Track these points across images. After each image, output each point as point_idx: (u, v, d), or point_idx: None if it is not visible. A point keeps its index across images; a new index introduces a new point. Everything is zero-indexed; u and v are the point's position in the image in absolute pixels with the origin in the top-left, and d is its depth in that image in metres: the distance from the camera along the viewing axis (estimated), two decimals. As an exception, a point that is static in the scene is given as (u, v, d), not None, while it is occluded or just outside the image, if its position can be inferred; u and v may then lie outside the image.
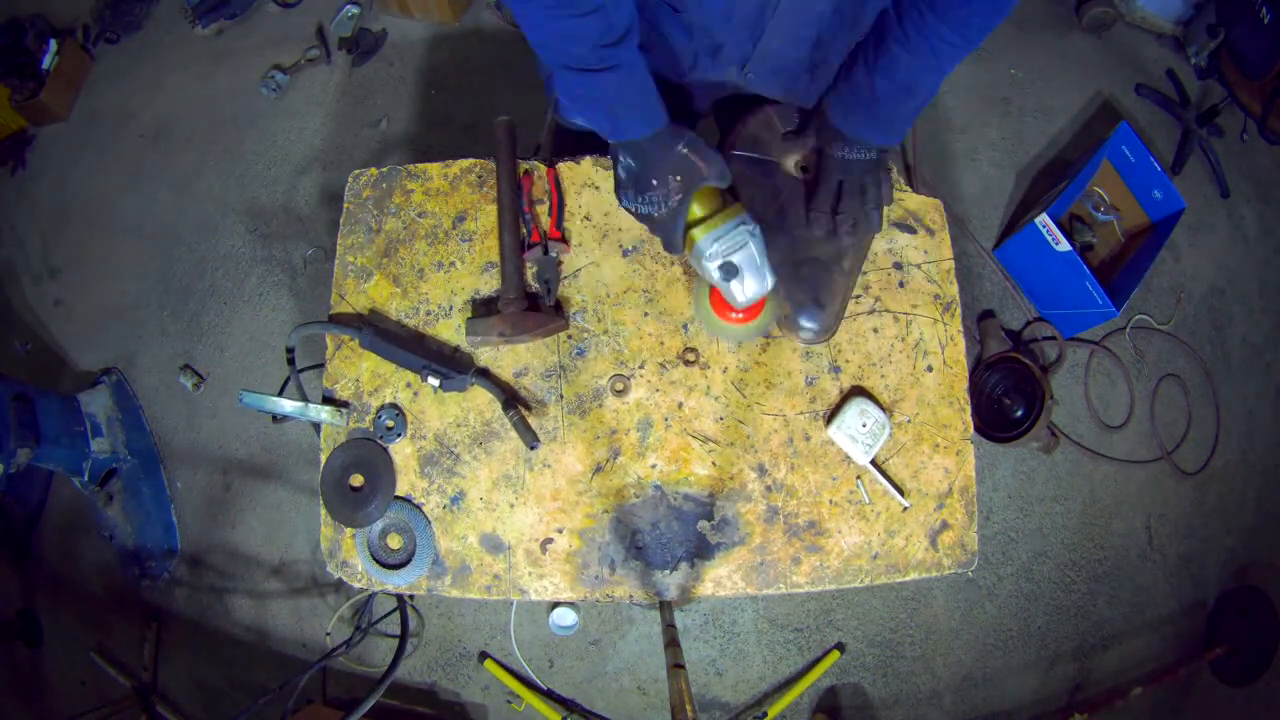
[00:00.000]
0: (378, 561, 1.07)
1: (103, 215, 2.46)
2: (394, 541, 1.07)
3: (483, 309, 1.12)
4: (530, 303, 1.11)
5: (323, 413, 1.10)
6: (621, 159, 0.93)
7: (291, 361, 1.14)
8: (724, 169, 0.92)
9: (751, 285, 0.92)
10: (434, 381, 1.07)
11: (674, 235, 0.93)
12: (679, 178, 0.90)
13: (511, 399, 1.07)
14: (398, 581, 1.07)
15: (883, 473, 1.09)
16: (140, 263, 2.39)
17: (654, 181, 0.90)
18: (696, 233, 0.92)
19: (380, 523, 1.07)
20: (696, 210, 0.93)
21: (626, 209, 0.96)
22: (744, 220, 0.91)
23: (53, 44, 2.53)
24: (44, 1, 2.70)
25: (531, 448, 1.04)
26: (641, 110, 0.88)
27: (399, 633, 1.29)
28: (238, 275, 2.33)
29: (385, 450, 1.10)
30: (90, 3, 2.71)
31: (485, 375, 1.09)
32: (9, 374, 1.99)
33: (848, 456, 1.09)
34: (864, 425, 1.07)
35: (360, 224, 1.20)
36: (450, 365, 1.08)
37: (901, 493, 1.08)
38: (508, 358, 1.13)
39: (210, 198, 2.42)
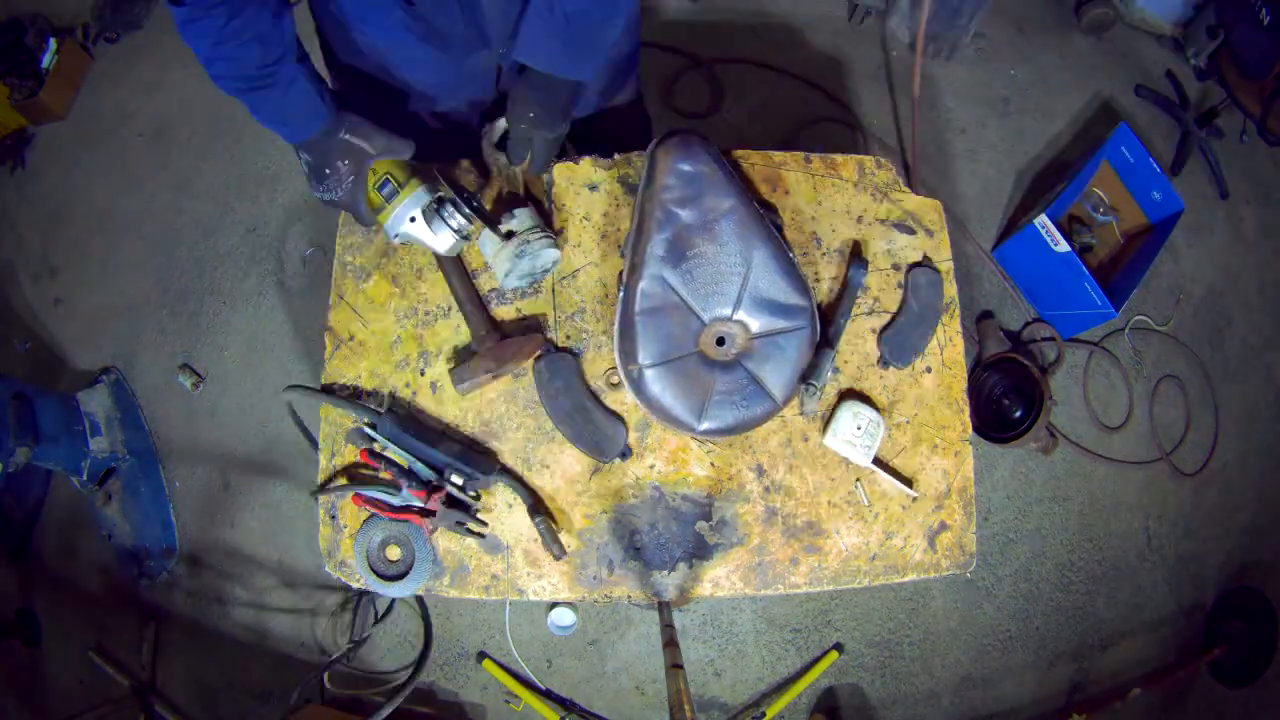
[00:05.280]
0: (376, 573, 1.07)
1: (102, 214, 2.45)
2: (392, 553, 1.07)
3: (463, 356, 1.11)
4: (503, 333, 1.11)
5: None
6: (301, 156, 1.00)
7: (296, 418, 1.16)
8: (393, 143, 0.99)
9: (437, 243, 1.03)
10: (457, 480, 1.04)
11: (359, 212, 1.01)
12: (347, 161, 0.98)
13: (537, 505, 1.06)
14: (396, 593, 1.07)
15: (886, 468, 1.09)
16: (139, 262, 2.38)
17: (326, 171, 0.98)
18: (381, 217, 1.02)
19: (379, 535, 1.07)
20: (385, 184, 1.02)
21: (319, 199, 1.01)
22: (417, 197, 1.01)
23: (52, 43, 2.52)
24: (44, 0, 2.69)
25: (557, 558, 1.04)
26: (306, 113, 0.96)
27: (422, 642, 1.28)
28: (237, 275, 2.33)
29: None
30: (90, 1, 2.71)
31: (509, 474, 1.07)
32: (8, 373, 1.99)
33: (847, 459, 1.09)
34: (859, 427, 1.07)
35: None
36: (474, 465, 1.05)
37: (910, 485, 1.08)
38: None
39: (209, 197, 2.41)
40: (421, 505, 1.04)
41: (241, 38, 0.88)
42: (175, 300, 2.33)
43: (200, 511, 2.15)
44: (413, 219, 1.01)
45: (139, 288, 2.36)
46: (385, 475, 1.06)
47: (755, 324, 1.02)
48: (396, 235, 1.03)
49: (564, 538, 1.08)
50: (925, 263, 1.16)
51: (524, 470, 1.10)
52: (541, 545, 1.07)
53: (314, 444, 1.14)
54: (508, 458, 1.09)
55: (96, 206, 2.47)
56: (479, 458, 1.07)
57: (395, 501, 1.05)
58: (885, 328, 1.14)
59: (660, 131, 1.08)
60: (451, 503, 1.05)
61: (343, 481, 1.10)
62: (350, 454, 1.11)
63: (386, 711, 1.18)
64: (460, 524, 1.05)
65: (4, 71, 2.47)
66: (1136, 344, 2.21)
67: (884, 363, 1.13)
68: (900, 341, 1.13)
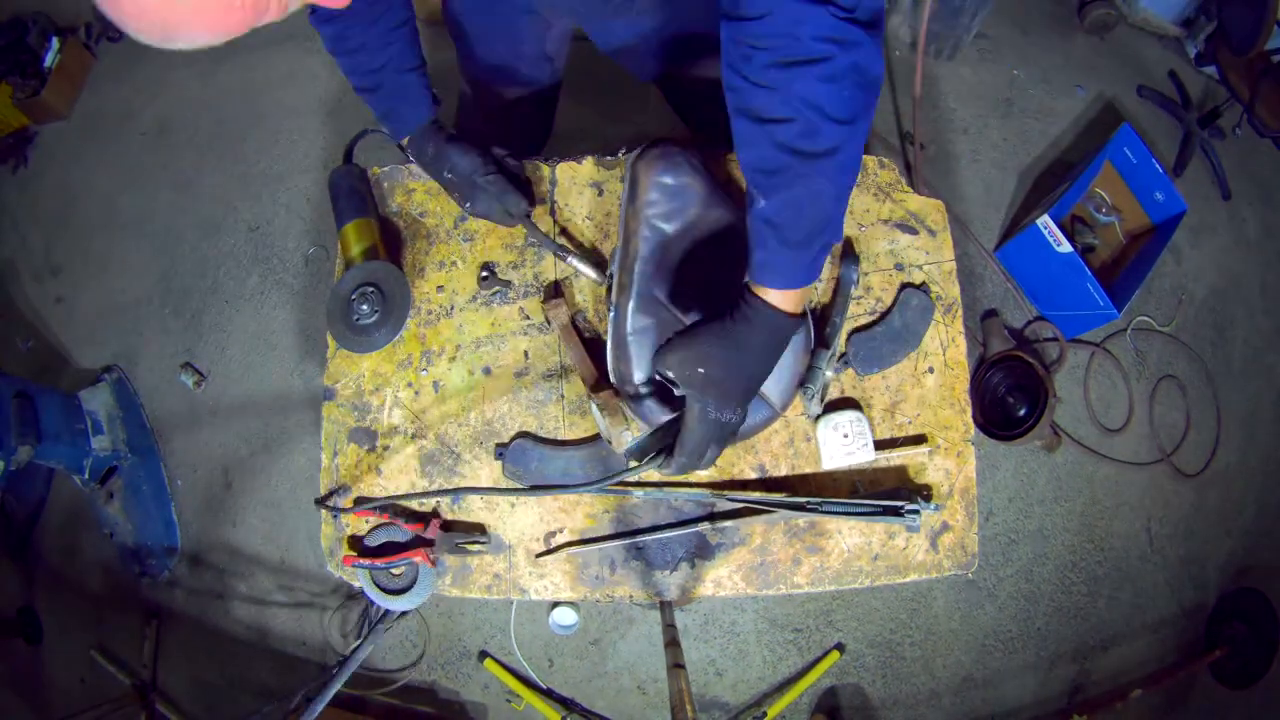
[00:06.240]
0: (380, 587, 1.07)
1: (104, 213, 2.46)
2: (397, 568, 1.07)
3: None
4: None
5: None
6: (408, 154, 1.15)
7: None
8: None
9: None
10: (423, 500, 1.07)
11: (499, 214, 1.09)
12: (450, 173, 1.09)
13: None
14: (400, 606, 1.08)
15: (893, 444, 1.09)
16: (142, 261, 2.39)
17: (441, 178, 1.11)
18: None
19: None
20: None
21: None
22: None
23: (55, 42, 2.53)
24: (46, -1, 2.70)
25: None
26: (407, 113, 1.10)
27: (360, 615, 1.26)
28: (239, 274, 2.33)
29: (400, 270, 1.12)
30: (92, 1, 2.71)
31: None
32: (10, 371, 1.99)
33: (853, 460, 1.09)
34: (845, 436, 1.06)
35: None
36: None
37: (923, 440, 1.09)
38: (508, 356, 1.13)
39: (212, 196, 2.42)
40: (419, 535, 1.05)
41: (353, 49, 1.03)
42: (177, 299, 2.34)
43: (202, 510, 2.15)
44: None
45: (141, 286, 2.37)
46: (382, 518, 1.07)
47: None
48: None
49: (566, 537, 1.08)
50: (922, 288, 1.15)
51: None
52: (545, 542, 1.07)
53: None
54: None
55: (99, 205, 2.47)
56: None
57: (400, 538, 1.07)
58: (859, 330, 1.13)
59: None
60: (447, 526, 1.07)
61: (347, 533, 1.10)
62: (353, 453, 1.11)
63: (331, 691, 1.16)
64: (459, 545, 1.06)
65: (6, 70, 2.48)
66: (1138, 345, 2.20)
67: (845, 361, 1.11)
68: (871, 349, 1.11)
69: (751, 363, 0.78)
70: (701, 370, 0.77)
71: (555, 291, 1.13)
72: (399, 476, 1.10)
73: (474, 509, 1.09)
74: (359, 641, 1.08)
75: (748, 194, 0.75)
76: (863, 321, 1.14)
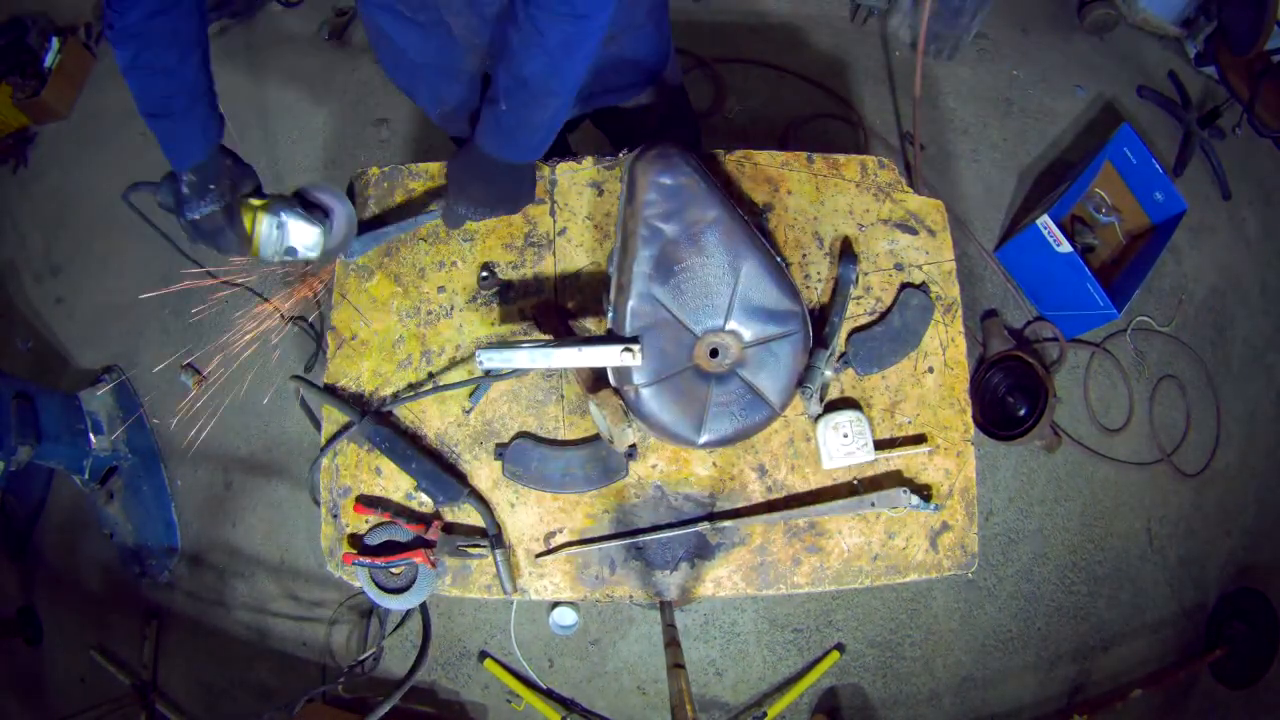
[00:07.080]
0: (379, 586, 1.08)
1: (104, 213, 2.46)
2: (396, 567, 1.08)
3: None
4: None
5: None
6: (182, 178, 1.12)
7: (304, 404, 1.15)
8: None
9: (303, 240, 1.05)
10: (424, 498, 1.07)
11: (232, 224, 1.11)
12: (227, 181, 1.10)
13: (499, 538, 1.06)
14: (399, 606, 1.08)
15: (892, 444, 1.09)
16: (142, 261, 2.39)
17: (211, 186, 1.09)
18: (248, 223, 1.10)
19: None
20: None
21: (190, 222, 1.12)
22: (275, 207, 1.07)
23: (55, 42, 2.53)
24: (46, 0, 2.70)
25: (506, 593, 1.05)
26: (192, 143, 1.11)
27: (421, 639, 1.28)
28: (239, 274, 2.33)
29: None
30: (92, 1, 2.71)
31: (478, 499, 1.08)
32: (10, 372, 1.99)
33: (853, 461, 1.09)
34: (845, 436, 1.06)
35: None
36: (441, 487, 1.06)
37: (923, 440, 1.09)
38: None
39: (212, 196, 2.42)
40: (420, 536, 1.06)
41: (149, 69, 1.01)
42: (177, 299, 2.33)
43: (202, 510, 2.15)
44: (280, 224, 1.06)
45: (141, 286, 2.36)
46: (383, 518, 1.07)
47: (748, 333, 1.01)
48: (271, 249, 1.08)
49: (566, 537, 1.08)
50: (922, 288, 1.15)
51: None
52: (545, 542, 1.07)
53: (318, 426, 1.14)
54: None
55: (99, 205, 2.47)
56: (448, 481, 1.07)
57: (401, 538, 1.07)
58: (859, 329, 1.13)
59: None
60: (450, 528, 1.08)
61: (347, 542, 1.11)
62: (353, 453, 1.11)
63: (383, 710, 1.18)
64: (460, 548, 1.06)
65: (7, 71, 2.48)
66: (1138, 344, 2.20)
67: (844, 361, 1.12)
68: (870, 349, 1.11)
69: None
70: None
71: (555, 311, 1.13)
72: (399, 476, 1.10)
73: (475, 511, 1.09)
74: (417, 657, 1.13)
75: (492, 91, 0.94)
76: (862, 321, 1.14)
